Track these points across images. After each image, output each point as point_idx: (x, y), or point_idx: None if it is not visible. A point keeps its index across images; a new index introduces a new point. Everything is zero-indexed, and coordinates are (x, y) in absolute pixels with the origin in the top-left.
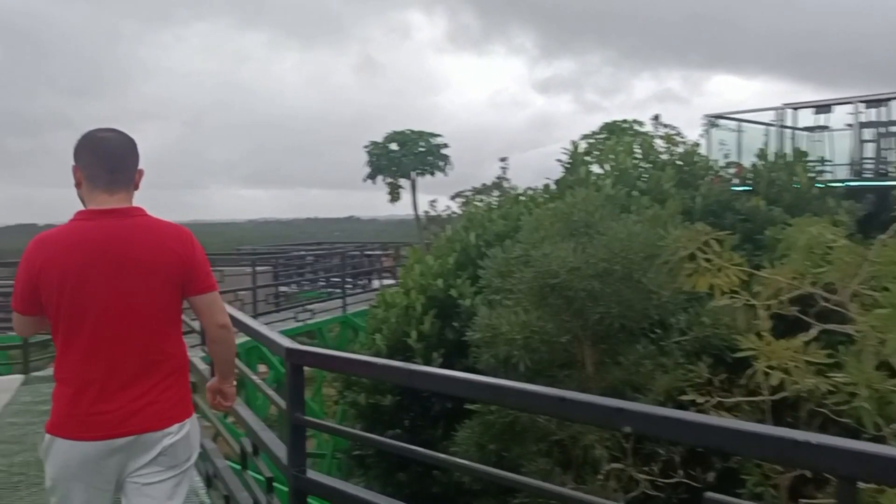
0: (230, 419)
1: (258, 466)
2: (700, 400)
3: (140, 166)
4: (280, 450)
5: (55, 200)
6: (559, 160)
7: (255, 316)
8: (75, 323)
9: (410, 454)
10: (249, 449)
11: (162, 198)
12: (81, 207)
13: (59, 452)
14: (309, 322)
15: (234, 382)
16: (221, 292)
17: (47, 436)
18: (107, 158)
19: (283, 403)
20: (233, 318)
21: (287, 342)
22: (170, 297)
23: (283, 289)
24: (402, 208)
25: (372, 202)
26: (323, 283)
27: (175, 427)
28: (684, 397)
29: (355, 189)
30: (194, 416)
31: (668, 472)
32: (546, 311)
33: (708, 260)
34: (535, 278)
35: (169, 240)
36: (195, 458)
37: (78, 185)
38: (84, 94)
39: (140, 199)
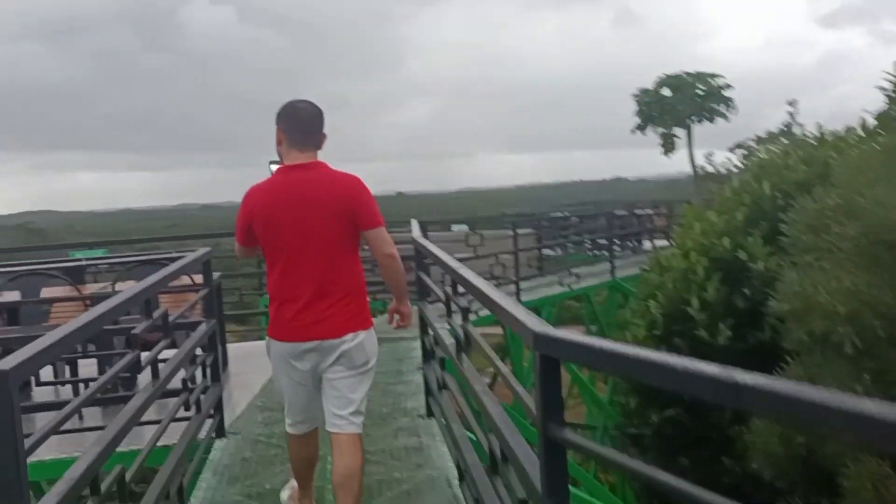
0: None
1: (509, 479)
2: None
3: (324, 131)
4: (533, 466)
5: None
6: (881, 88)
7: (517, 280)
8: (275, 251)
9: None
10: (498, 453)
11: (432, 167)
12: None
13: (271, 350)
14: (574, 287)
15: (408, 303)
16: (481, 256)
17: (266, 338)
18: (303, 124)
19: (532, 406)
20: (474, 289)
21: (536, 324)
22: (343, 230)
23: (546, 252)
24: (674, 165)
25: (639, 162)
26: (588, 246)
27: (349, 336)
28: None
29: (621, 148)
30: (371, 328)
31: None
32: (880, 275)
33: None
34: (863, 234)
35: (341, 186)
36: (373, 363)
37: (279, 143)
38: (359, 75)
39: (411, 169)
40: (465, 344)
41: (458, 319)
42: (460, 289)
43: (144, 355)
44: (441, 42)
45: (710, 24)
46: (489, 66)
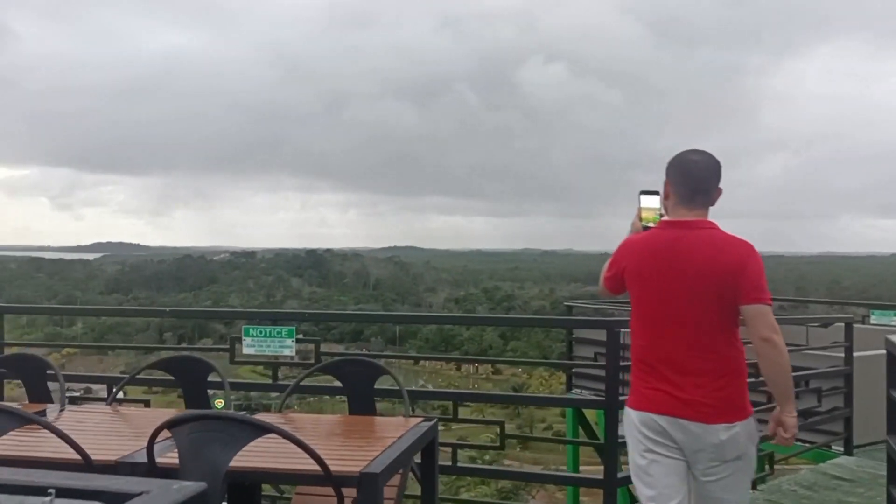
0: None
1: None
2: None
3: (720, 185)
4: None
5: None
6: None
7: None
8: (643, 312)
9: None
10: None
11: (785, 228)
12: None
13: (629, 422)
14: None
15: (794, 412)
16: None
17: (626, 408)
18: (692, 180)
19: None
20: None
21: None
22: (719, 302)
23: None
24: None
25: None
26: None
27: (723, 426)
28: None
29: None
30: (750, 419)
31: None
32: None
33: None
34: None
35: (725, 252)
36: (752, 457)
37: (666, 197)
38: (701, 130)
39: (761, 229)
40: None
41: None
42: None
43: None
44: (801, 94)
45: None
46: (856, 122)
